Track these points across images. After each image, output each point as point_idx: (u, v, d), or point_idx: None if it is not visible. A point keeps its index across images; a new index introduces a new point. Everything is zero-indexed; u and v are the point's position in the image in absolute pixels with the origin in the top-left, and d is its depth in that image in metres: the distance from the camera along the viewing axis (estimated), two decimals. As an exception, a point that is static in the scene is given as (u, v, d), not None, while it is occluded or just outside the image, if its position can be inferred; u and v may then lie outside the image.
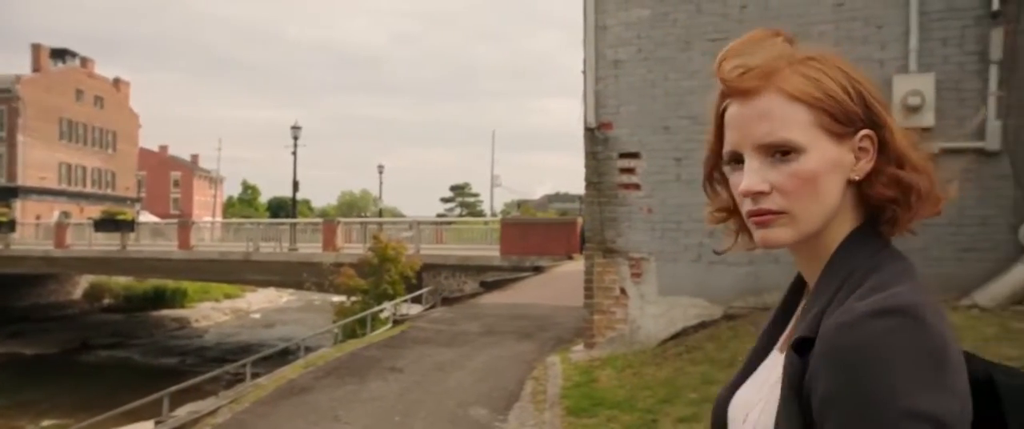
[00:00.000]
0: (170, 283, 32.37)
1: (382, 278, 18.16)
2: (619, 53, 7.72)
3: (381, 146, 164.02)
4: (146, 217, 40.54)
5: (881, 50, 6.88)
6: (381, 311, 15.48)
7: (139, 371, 22.47)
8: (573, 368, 7.38)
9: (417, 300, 16.97)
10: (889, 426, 0.67)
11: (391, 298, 17.04)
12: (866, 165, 0.82)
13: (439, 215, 52.84)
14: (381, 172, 48.88)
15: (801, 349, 0.77)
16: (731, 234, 0.93)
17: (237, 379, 10.70)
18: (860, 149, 0.82)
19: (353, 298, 18.39)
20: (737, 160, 0.84)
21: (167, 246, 26.79)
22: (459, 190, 72.92)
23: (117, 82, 53.71)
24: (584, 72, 7.83)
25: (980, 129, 6.57)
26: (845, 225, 0.84)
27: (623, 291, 7.76)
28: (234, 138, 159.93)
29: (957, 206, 6.63)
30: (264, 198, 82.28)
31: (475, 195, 72.34)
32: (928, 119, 6.64)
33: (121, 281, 32.49)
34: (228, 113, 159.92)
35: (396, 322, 12.94)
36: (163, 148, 71.82)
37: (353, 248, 22.44)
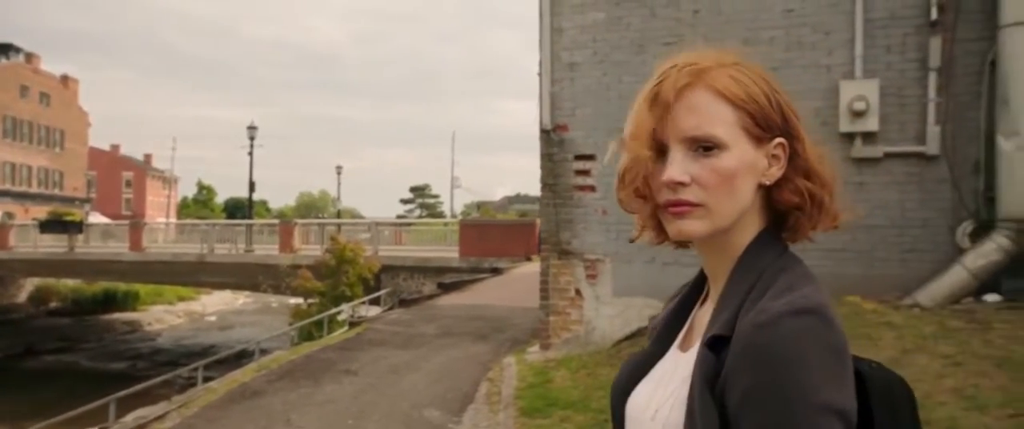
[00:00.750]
0: (121, 286, 31.50)
1: (339, 280, 17.98)
2: (574, 56, 7.78)
3: (340, 146, 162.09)
4: (96, 218, 39.43)
5: (828, 56, 7.06)
6: (338, 313, 15.32)
7: (87, 376, 21.83)
8: (528, 369, 7.40)
9: (375, 302, 16.84)
10: (805, 420, 0.71)
11: (349, 300, 16.88)
12: (777, 172, 0.86)
13: (399, 216, 52.53)
14: (339, 173, 48.40)
15: (716, 347, 0.79)
16: (639, 225, 0.94)
17: (190, 383, 10.48)
18: (773, 156, 0.86)
19: (310, 300, 18.17)
20: (660, 152, 0.86)
21: (118, 248, 26.08)
22: (419, 191, 72.41)
23: (65, 79, 52.14)
24: (540, 74, 7.87)
25: (920, 133, 6.79)
26: (752, 227, 0.88)
27: (578, 292, 7.82)
28: (189, 138, 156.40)
29: (900, 209, 6.85)
30: (220, 199, 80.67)
31: (435, 196, 71.96)
32: (873, 123, 6.84)
33: (69, 284, 31.50)
34: (183, 112, 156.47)
35: (352, 324, 12.83)
36: (115, 147, 69.95)
37: (311, 250, 22.15)
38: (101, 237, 28.29)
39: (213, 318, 34.75)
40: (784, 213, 0.88)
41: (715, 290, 0.90)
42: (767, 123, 0.85)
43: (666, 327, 0.97)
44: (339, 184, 51.45)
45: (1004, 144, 6.30)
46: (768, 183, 0.86)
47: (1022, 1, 6.16)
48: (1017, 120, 6.22)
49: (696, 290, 0.98)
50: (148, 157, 73.24)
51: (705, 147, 0.83)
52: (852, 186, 6.99)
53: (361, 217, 53.21)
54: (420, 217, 59.69)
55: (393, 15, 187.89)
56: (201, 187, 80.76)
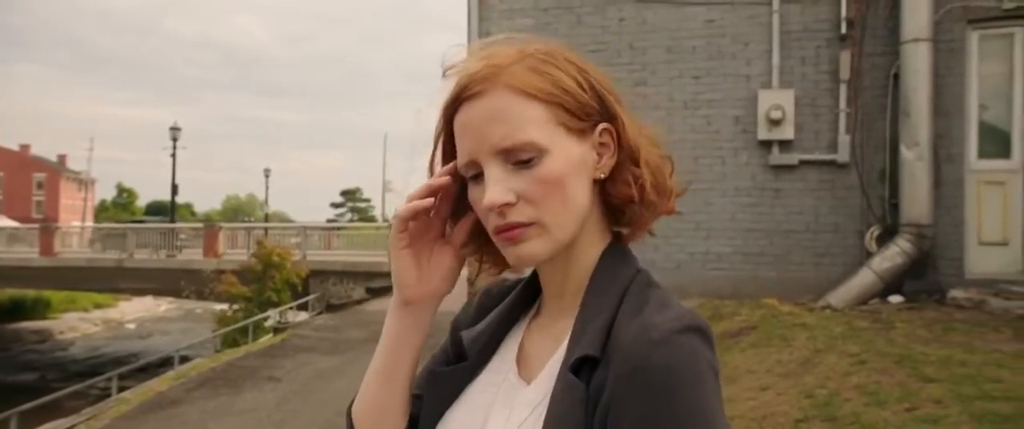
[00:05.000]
0: (30, 293, 29.84)
1: (266, 285, 17.56)
2: (503, 61, 7.82)
3: (269, 149, 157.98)
4: (3, 222, 37.31)
5: (747, 66, 7.31)
6: (265, 319, 14.95)
7: (-9, 389, 20.60)
8: (456, 373, 7.38)
9: (303, 307, 16.51)
10: None
11: (275, 305, 16.51)
12: (610, 161, 0.76)
13: (329, 220, 51.57)
14: (268, 176, 47.10)
15: (583, 369, 0.69)
16: (475, 262, 0.83)
17: (104, 394, 10.02)
18: (601, 144, 0.76)
19: (235, 306, 17.68)
20: (475, 172, 0.74)
21: (27, 253, 24.75)
22: (350, 195, 71.17)
23: (-29, 74, 49.24)
24: (469, 78, 7.88)
25: (832, 142, 7.10)
26: (597, 232, 0.78)
27: (506, 296, 7.85)
28: (109, 138, 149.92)
29: (814, 214, 7.14)
30: (142, 202, 77.61)
31: (367, 200, 70.84)
32: (788, 132, 7.12)
33: (-29, 291, 29.69)
34: (102, 111, 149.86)
35: (277, 330, 12.54)
36: (24, 147, 66.42)
37: (237, 254, 21.58)
38: (7, 241, 26.80)
39: (132, 326, 33.32)
40: (620, 208, 0.77)
41: (559, 307, 0.79)
42: (584, 111, 0.74)
43: (490, 338, 0.83)
44: (267, 187, 49.79)
45: (906, 153, 6.66)
46: (603, 176, 0.76)
47: (919, 19, 6.54)
48: (917, 131, 6.59)
49: (522, 303, 0.85)
50: (62, 158, 69.84)
51: (523, 156, 0.72)
52: (770, 192, 7.26)
53: (290, 221, 52.04)
54: (351, 221, 58.80)
55: (324, 16, 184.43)
56: (121, 190, 77.53)
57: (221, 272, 18.30)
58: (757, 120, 7.18)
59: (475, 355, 0.82)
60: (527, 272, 0.84)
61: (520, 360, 0.80)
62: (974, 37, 6.80)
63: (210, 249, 22.48)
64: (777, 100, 7.10)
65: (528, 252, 0.73)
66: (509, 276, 0.88)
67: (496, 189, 0.72)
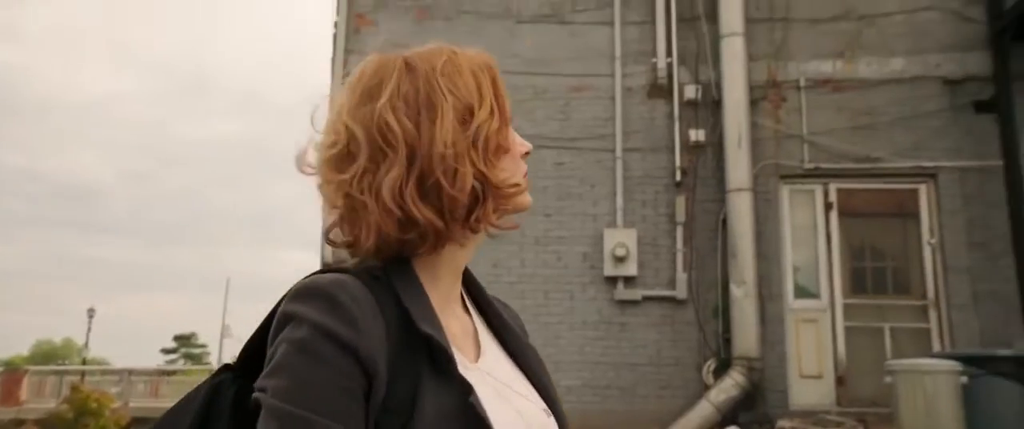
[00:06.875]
0: None
1: (76, 435, 15.54)
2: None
3: (97, 290, 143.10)
4: None
5: (594, 206, 7.83)
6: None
7: None
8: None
9: (118, 460, 14.64)
10: None
11: (84, 459, 14.57)
12: None
13: (158, 366, 47.10)
14: (91, 316, 42.61)
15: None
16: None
17: None
18: None
19: (32, 462, 15.40)
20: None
21: None
22: (184, 340, 65.56)
23: None
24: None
25: (672, 279, 7.61)
26: None
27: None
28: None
29: (657, 348, 7.48)
30: (-72, 345, 67.29)
31: (202, 346, 65.42)
32: (632, 269, 7.56)
33: None
34: None
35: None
36: None
37: (43, 403, 19.11)
38: None
39: None
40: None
41: (448, 294, 0.90)
42: None
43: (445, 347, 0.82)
44: (89, 330, 44.75)
45: (735, 291, 7.25)
46: None
47: (741, 172, 7.40)
48: (744, 271, 7.24)
49: (392, 303, 0.82)
50: None
51: None
52: (616, 326, 7.57)
53: (110, 366, 46.88)
54: (184, 367, 53.90)
55: (168, 156, 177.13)
56: (-97, 331, 67.06)
57: (20, 423, 16.07)
58: (603, 257, 7.60)
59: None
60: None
61: (469, 347, 0.90)
62: (785, 190, 7.74)
63: (10, 396, 19.81)
64: (621, 239, 7.59)
65: None
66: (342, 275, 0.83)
67: None
